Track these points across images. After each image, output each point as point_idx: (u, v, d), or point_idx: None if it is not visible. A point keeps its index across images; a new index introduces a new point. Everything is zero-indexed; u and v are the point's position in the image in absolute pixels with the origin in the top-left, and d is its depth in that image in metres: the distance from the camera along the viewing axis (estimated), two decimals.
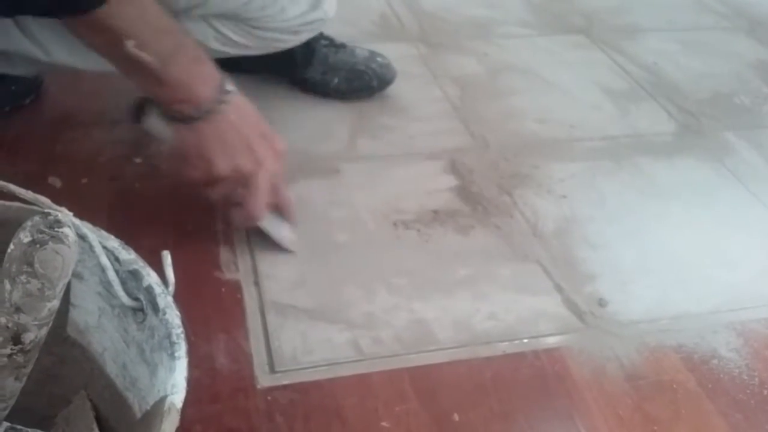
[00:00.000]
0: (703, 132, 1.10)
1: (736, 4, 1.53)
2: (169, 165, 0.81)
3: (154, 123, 0.77)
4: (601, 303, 0.79)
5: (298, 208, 0.87)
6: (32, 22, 0.84)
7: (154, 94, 0.74)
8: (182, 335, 0.44)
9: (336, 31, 1.12)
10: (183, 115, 0.73)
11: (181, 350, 0.43)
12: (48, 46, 0.86)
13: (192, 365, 0.51)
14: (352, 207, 0.89)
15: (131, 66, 0.70)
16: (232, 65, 1.09)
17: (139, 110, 0.78)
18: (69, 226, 0.41)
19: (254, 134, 0.76)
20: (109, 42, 0.68)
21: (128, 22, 0.67)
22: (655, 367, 0.73)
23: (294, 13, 0.92)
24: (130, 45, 0.67)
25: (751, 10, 1.51)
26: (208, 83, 0.73)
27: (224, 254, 0.81)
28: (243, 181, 0.76)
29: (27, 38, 0.85)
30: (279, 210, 0.81)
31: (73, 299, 0.52)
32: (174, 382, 0.41)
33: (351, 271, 0.80)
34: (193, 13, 0.87)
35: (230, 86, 0.75)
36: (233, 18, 0.90)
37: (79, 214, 0.55)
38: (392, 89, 1.10)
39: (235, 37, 0.92)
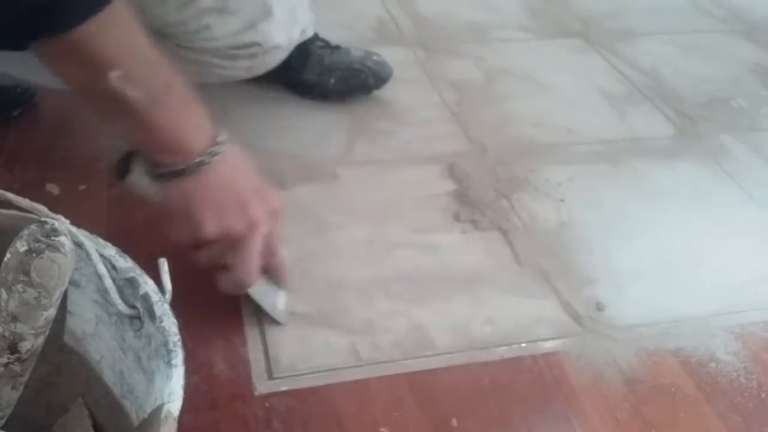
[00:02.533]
0: (700, 135, 1.10)
1: (734, 7, 1.53)
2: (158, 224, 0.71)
3: (139, 180, 0.68)
4: (599, 307, 0.79)
5: (296, 213, 0.87)
6: None
7: (136, 140, 0.64)
8: (179, 343, 0.44)
9: (333, 36, 1.12)
10: (169, 168, 0.64)
11: (178, 358, 0.43)
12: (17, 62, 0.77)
13: (190, 372, 0.52)
14: (350, 212, 0.89)
15: (112, 104, 0.58)
16: None
17: (124, 165, 0.69)
18: (65, 235, 0.41)
19: (247, 191, 0.67)
20: (88, 72, 0.56)
21: (113, 47, 0.56)
22: (653, 370, 0.73)
23: (222, 32, 0.80)
24: (114, 77, 0.56)
25: (748, 13, 1.51)
26: (199, 130, 0.64)
27: None
28: (232, 243, 0.67)
29: None
30: (272, 275, 0.73)
31: (70, 307, 0.52)
32: (171, 390, 0.41)
33: (349, 277, 0.80)
34: None
35: (223, 135, 0.66)
36: (158, 35, 0.78)
37: (77, 221, 0.55)
38: (390, 94, 1.10)
39: None
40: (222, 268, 0.69)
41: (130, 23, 0.57)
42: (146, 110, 0.59)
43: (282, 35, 0.85)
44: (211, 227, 0.66)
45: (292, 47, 0.92)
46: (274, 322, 0.73)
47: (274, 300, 0.74)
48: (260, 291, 0.72)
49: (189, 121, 0.63)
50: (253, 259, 0.68)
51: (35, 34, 0.54)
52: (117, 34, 0.56)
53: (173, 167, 0.64)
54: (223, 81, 0.91)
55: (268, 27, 0.82)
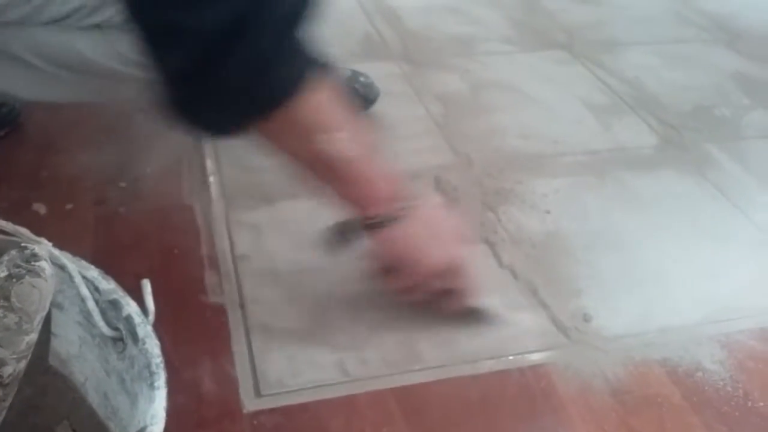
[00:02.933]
0: (684, 145, 1.11)
1: (716, 16, 1.55)
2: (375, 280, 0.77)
3: (355, 242, 0.74)
4: (586, 318, 0.79)
5: (284, 229, 0.87)
6: None
7: (345, 197, 0.69)
8: (161, 365, 0.44)
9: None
10: (381, 219, 0.69)
11: (161, 380, 0.43)
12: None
13: (177, 391, 0.52)
14: None
15: (323, 166, 0.65)
16: None
17: (338, 236, 0.75)
18: (46, 260, 0.41)
19: (444, 218, 0.75)
20: (301, 139, 0.63)
21: (322, 112, 0.62)
22: (640, 381, 0.73)
23: None
24: (330, 142, 0.63)
25: (730, 22, 1.53)
26: (394, 175, 0.69)
27: (209, 278, 0.81)
28: (454, 269, 0.73)
29: None
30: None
31: (54, 329, 0.52)
32: (153, 413, 0.42)
33: (337, 292, 0.80)
34: (84, 23, 0.79)
35: (410, 182, 0.74)
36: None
37: (63, 240, 0.55)
38: (376, 108, 1.11)
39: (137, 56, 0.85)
40: (444, 295, 0.74)
41: (340, 94, 0.64)
42: (358, 169, 0.66)
43: None
44: (437, 259, 0.71)
45: None
46: (492, 320, 0.78)
47: (485, 304, 0.79)
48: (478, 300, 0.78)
49: (384, 167, 0.69)
50: (474, 273, 0.75)
51: (259, 112, 0.61)
52: (324, 100, 0.63)
53: (387, 216, 0.69)
54: None
55: None
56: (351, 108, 0.65)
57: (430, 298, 0.75)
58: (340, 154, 0.64)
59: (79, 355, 0.52)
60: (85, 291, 0.48)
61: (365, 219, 0.70)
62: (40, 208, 0.88)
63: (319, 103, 0.62)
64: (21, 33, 0.77)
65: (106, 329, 0.47)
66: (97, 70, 0.79)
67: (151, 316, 0.48)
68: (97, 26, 0.79)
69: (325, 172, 0.67)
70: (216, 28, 0.54)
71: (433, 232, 0.72)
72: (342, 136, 0.64)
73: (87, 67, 0.79)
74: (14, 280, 0.40)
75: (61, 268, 0.48)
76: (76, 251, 0.53)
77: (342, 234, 0.75)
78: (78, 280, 0.48)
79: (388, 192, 0.69)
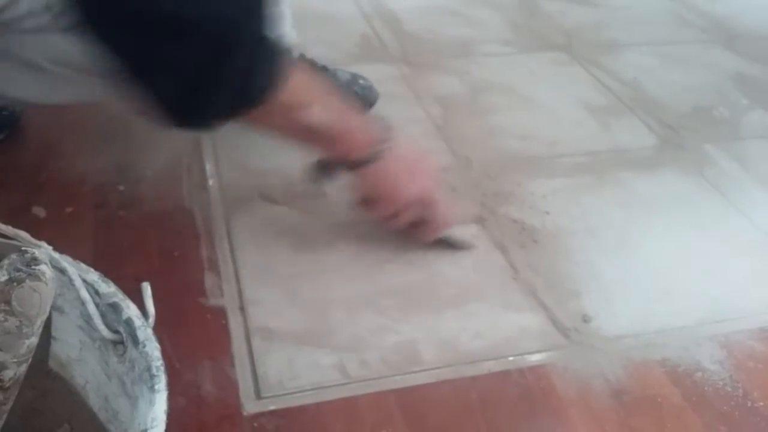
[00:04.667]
0: (683, 145, 1.11)
1: (714, 17, 1.55)
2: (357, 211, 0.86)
3: (338, 176, 0.84)
4: (585, 319, 0.80)
5: (285, 232, 0.87)
6: None
7: (330, 152, 0.79)
8: (162, 368, 0.44)
9: (318, 53, 1.13)
10: (364, 158, 0.78)
11: (161, 383, 0.43)
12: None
13: (177, 393, 0.52)
14: (338, 229, 0.90)
15: (308, 134, 0.75)
16: None
17: (317, 172, 0.85)
18: (46, 263, 0.41)
19: (418, 156, 0.83)
20: (285, 119, 0.73)
21: (303, 91, 0.73)
22: (640, 381, 0.73)
23: None
24: (310, 115, 0.73)
25: (728, 22, 1.53)
26: (374, 125, 0.79)
27: (209, 280, 0.81)
28: (428, 200, 0.81)
29: None
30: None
31: (54, 332, 0.52)
32: (154, 416, 0.42)
33: (337, 294, 0.81)
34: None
35: (387, 122, 0.81)
36: None
37: (63, 243, 0.55)
38: (375, 110, 1.11)
39: None
40: (420, 225, 0.83)
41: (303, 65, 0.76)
42: (335, 129, 0.75)
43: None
44: (411, 190, 0.80)
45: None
46: (466, 248, 0.87)
47: (459, 234, 0.87)
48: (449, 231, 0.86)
49: (363, 121, 0.80)
50: (446, 205, 0.83)
51: (247, 105, 0.70)
52: (303, 80, 0.73)
53: (366, 157, 0.78)
54: None
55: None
56: (319, 77, 0.77)
57: (408, 228, 0.84)
58: (320, 122, 0.74)
59: (79, 358, 0.52)
60: (85, 294, 0.48)
61: (348, 160, 0.79)
62: (40, 212, 0.88)
63: (294, 84, 0.71)
64: (37, 39, 0.77)
65: (106, 332, 0.47)
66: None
67: (151, 319, 0.48)
68: None
69: (309, 139, 0.77)
70: (201, 56, 0.63)
71: (407, 168, 0.80)
72: (319, 106, 0.74)
73: (104, 71, 0.79)
74: (15, 284, 0.40)
75: (62, 271, 0.48)
76: (76, 254, 0.53)
77: (325, 169, 0.84)
78: (78, 283, 0.48)
79: (366, 139, 0.78)
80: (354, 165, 0.79)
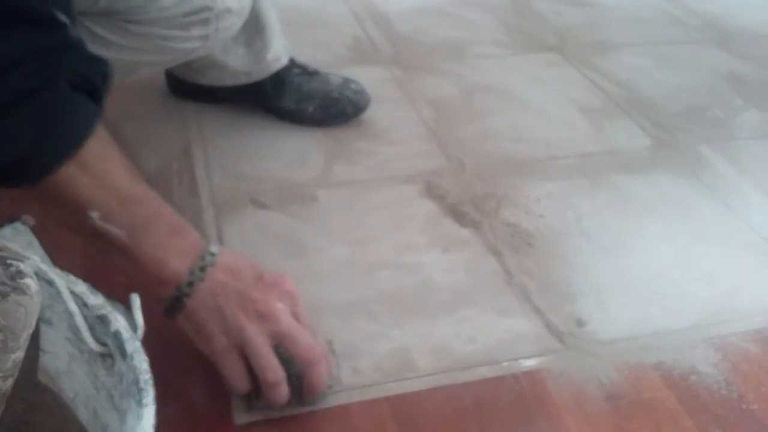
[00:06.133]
0: (677, 146, 1.11)
1: (707, 16, 1.55)
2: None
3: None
4: (580, 323, 0.79)
5: (275, 237, 0.87)
6: None
7: (125, 272, 0.63)
8: (150, 381, 0.44)
9: (309, 56, 1.12)
10: (168, 301, 0.63)
11: (149, 397, 0.43)
12: None
13: (169, 404, 0.51)
14: (329, 234, 0.89)
15: (98, 241, 0.60)
16: (205, 95, 1.10)
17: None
18: (31, 277, 0.41)
19: (251, 285, 0.64)
20: (70, 213, 0.59)
21: (88, 190, 0.57)
22: (635, 385, 0.73)
23: (169, 0, 0.81)
24: (95, 217, 0.58)
25: (721, 22, 1.53)
26: (185, 255, 0.63)
27: None
28: (243, 343, 0.64)
29: None
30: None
31: (43, 345, 0.52)
32: (141, 430, 0.41)
33: (329, 300, 0.80)
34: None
35: (214, 247, 0.65)
36: (104, 14, 0.80)
37: (53, 253, 0.55)
38: (368, 113, 1.10)
39: (113, 37, 0.81)
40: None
41: (105, 163, 0.58)
42: (128, 244, 0.60)
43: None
44: (219, 338, 0.63)
45: (245, 14, 0.92)
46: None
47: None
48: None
49: (174, 248, 0.62)
50: (265, 349, 0.63)
51: (14, 183, 0.57)
52: (92, 177, 0.57)
53: (170, 298, 0.63)
54: (182, 58, 0.90)
55: None
56: (139, 185, 0.61)
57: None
58: (111, 233, 0.59)
59: (68, 371, 0.51)
60: (73, 306, 0.47)
61: (157, 297, 0.64)
62: (29, 220, 0.87)
63: (85, 180, 0.57)
64: None
65: (94, 345, 0.47)
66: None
67: (140, 331, 0.47)
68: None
69: (102, 247, 0.61)
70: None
71: (222, 304, 0.63)
72: (111, 214, 0.59)
73: None
74: None
75: (49, 283, 0.48)
76: (65, 264, 0.52)
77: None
78: (66, 295, 0.47)
79: (166, 274, 0.62)
80: (164, 307, 0.64)
